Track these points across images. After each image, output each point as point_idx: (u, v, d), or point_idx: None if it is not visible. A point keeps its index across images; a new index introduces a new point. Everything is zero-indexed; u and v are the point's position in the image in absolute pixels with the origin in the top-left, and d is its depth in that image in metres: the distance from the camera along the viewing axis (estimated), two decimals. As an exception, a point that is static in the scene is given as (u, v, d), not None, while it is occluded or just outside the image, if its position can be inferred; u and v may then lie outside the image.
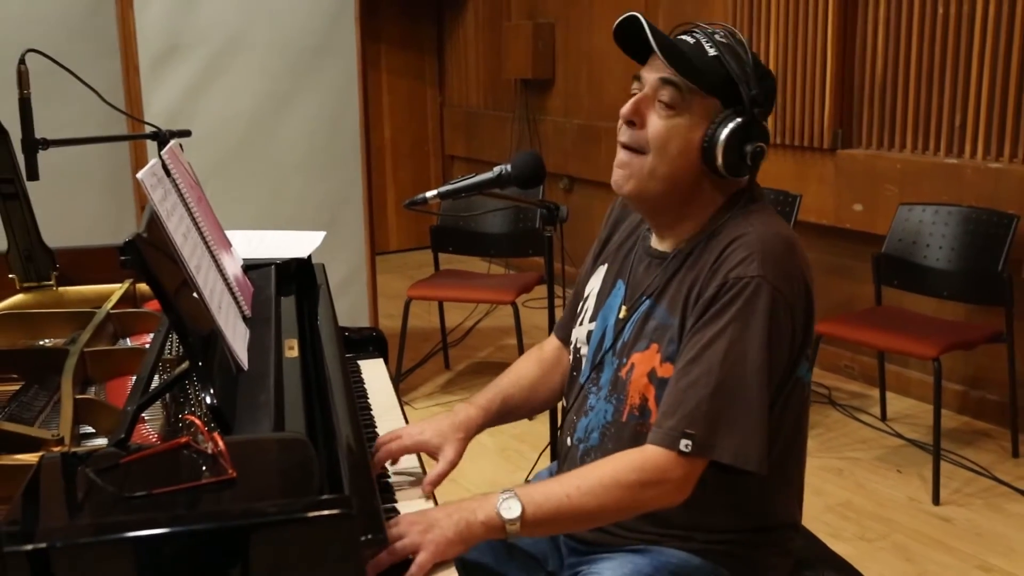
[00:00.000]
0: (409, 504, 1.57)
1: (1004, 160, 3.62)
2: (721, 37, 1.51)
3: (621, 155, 1.55)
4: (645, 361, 1.56)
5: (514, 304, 4.18)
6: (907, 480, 3.46)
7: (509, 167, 1.90)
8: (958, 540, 3.05)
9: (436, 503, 1.60)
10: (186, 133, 2.35)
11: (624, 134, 1.54)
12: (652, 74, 1.51)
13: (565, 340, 1.86)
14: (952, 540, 3.06)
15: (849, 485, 3.43)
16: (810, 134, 4.21)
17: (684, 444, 1.43)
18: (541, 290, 4.53)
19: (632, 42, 1.52)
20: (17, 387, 1.66)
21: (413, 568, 1.34)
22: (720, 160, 1.49)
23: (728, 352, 1.44)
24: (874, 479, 3.47)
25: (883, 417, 3.98)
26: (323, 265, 2.27)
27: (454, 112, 6.98)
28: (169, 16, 3.67)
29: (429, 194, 1.93)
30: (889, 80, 3.97)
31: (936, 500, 3.28)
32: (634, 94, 1.54)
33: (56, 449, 1.36)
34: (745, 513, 1.59)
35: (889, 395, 4.05)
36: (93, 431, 1.53)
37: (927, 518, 3.20)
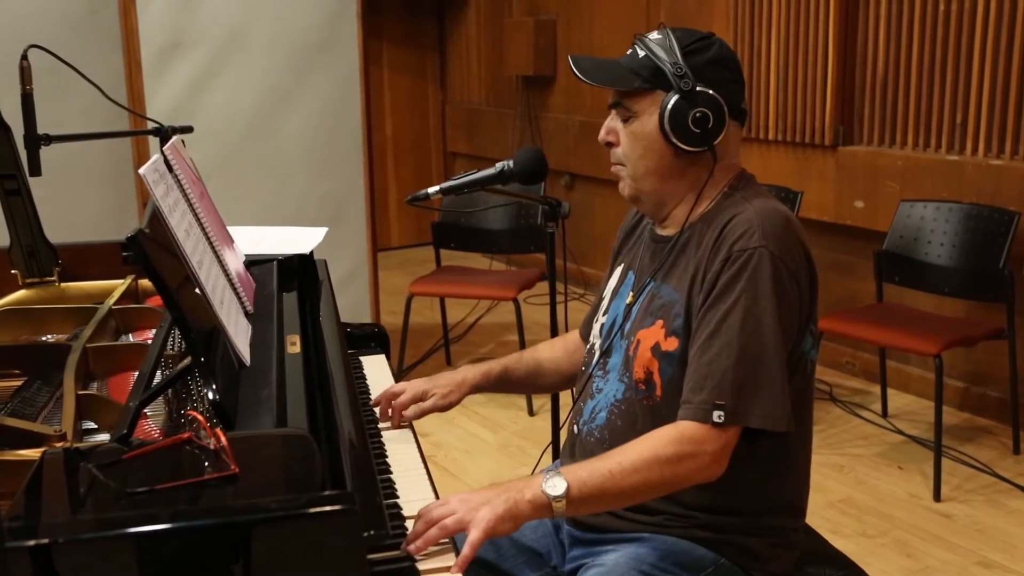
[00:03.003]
0: (412, 505, 1.57)
1: (1005, 157, 3.62)
2: (654, 35, 1.63)
3: (614, 168, 1.70)
4: (650, 336, 1.61)
5: (516, 300, 4.17)
6: (908, 476, 3.46)
7: (512, 163, 1.91)
8: (959, 536, 3.05)
9: (415, 432, 1.83)
10: (188, 129, 2.35)
11: (611, 155, 1.69)
12: (609, 98, 1.67)
13: (586, 338, 1.90)
14: (953, 536, 3.05)
15: (850, 481, 3.43)
16: (811, 131, 4.21)
17: (717, 415, 1.48)
18: (543, 286, 4.52)
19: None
20: (19, 383, 1.66)
21: (465, 549, 1.37)
22: (673, 136, 1.58)
23: (744, 322, 1.50)
24: (875, 475, 3.47)
25: (884, 413, 3.97)
26: (325, 261, 2.27)
27: (456, 109, 6.97)
28: (171, 13, 3.67)
29: (431, 190, 1.94)
30: (890, 77, 3.96)
31: (937, 496, 3.28)
32: None
33: (58, 445, 1.36)
34: (749, 491, 1.60)
35: (890, 391, 4.05)
36: (95, 427, 1.53)
37: (928, 514, 3.19)
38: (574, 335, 1.98)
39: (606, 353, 1.72)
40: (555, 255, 2.14)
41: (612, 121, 1.66)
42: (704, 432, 1.49)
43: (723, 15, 4.54)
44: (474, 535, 1.38)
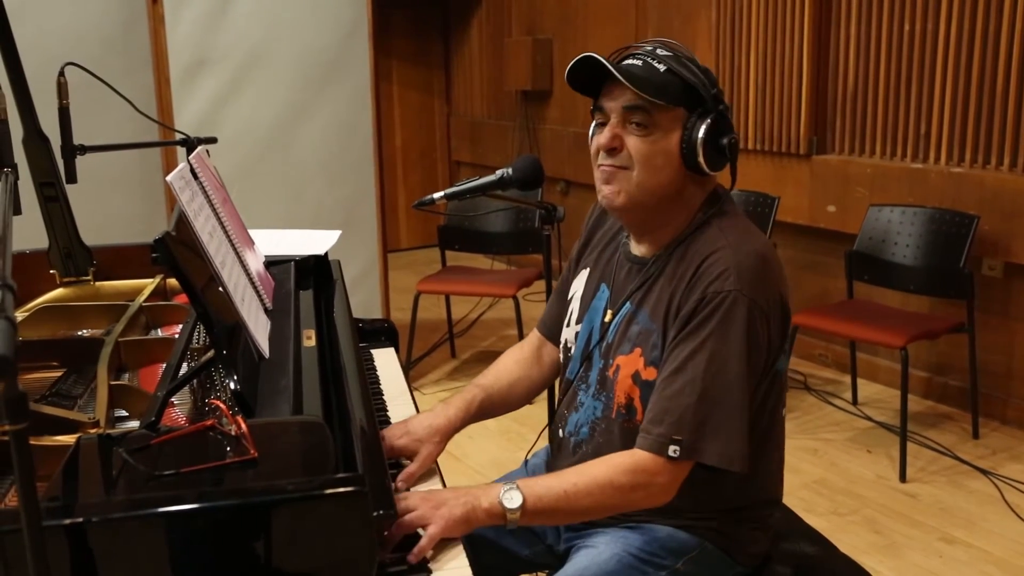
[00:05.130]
0: (419, 487, 1.56)
1: (965, 165, 3.61)
2: (663, 52, 1.50)
3: (606, 172, 1.53)
4: (629, 364, 1.55)
5: (515, 297, 4.18)
6: (876, 459, 3.45)
7: (510, 170, 1.89)
8: (923, 514, 3.05)
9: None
10: (213, 140, 2.34)
11: (607, 159, 1.52)
12: (614, 103, 1.50)
13: (547, 335, 1.84)
14: (917, 514, 3.05)
15: (823, 464, 3.43)
16: (787, 141, 4.20)
17: (672, 450, 1.43)
18: (540, 285, 4.52)
19: (582, 79, 1.52)
20: (57, 374, 1.66)
21: (423, 541, 1.33)
22: (702, 159, 1.47)
23: (710, 362, 1.43)
24: (846, 458, 3.47)
25: (854, 401, 3.97)
26: (339, 261, 2.26)
27: (460, 121, 6.96)
28: (198, 32, 3.66)
29: (437, 195, 1.92)
30: (860, 91, 3.95)
31: (903, 478, 3.28)
32: (598, 123, 1.54)
33: (92, 431, 1.35)
34: (729, 495, 1.58)
35: (860, 381, 4.04)
36: (126, 414, 1.52)
37: (894, 494, 3.19)
38: (530, 343, 1.86)
39: (585, 364, 1.65)
40: (551, 256, 2.13)
41: (619, 128, 1.50)
42: (658, 464, 1.44)
43: (705, 33, 4.53)
44: (432, 530, 1.34)
